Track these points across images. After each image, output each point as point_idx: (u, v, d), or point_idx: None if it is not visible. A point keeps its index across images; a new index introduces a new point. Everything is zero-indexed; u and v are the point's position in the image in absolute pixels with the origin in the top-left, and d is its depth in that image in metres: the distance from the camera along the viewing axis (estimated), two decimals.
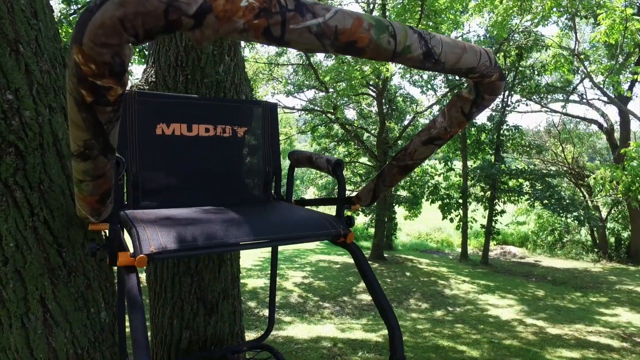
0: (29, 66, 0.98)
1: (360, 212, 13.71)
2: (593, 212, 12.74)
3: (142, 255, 0.76)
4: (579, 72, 10.83)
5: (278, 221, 1.05)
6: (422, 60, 0.61)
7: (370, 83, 11.72)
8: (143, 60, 6.46)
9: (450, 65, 0.64)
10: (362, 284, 10.10)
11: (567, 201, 11.55)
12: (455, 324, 7.45)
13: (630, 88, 11.52)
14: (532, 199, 11.73)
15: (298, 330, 6.25)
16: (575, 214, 11.06)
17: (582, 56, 8.72)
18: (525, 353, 5.55)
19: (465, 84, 0.79)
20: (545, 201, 11.26)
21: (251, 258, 11.39)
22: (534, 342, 6.21)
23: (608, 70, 7.03)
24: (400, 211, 14.34)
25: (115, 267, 1.22)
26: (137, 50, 6.42)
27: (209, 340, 1.47)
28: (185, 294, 1.44)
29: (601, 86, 7.32)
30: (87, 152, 0.57)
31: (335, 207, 1.15)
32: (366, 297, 9.29)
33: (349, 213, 1.18)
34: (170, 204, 1.15)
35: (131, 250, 0.82)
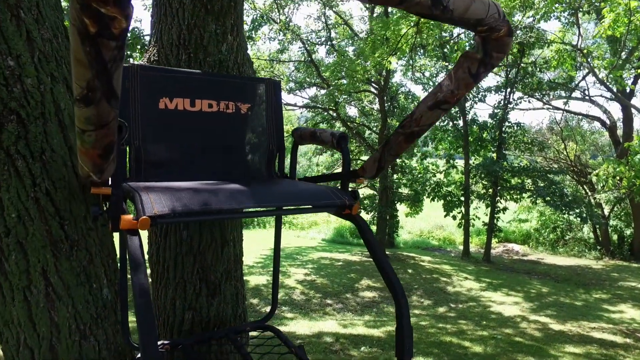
0: (30, 33, 0.97)
1: (362, 209, 13.67)
2: (595, 210, 12.70)
3: (144, 217, 0.75)
4: (583, 66, 10.78)
5: (283, 192, 1.04)
6: (430, 7, 0.59)
7: (372, 80, 11.70)
8: (141, 56, 6.45)
9: (459, 14, 0.62)
10: (364, 282, 10.07)
11: (570, 198, 11.51)
12: (458, 320, 7.43)
13: (634, 82, 11.44)
14: (534, 196, 11.69)
15: (300, 326, 6.23)
16: (578, 210, 11.02)
17: (585, 51, 8.69)
18: (529, 349, 5.52)
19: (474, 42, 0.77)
20: (548, 198, 11.23)
21: (252, 256, 11.38)
22: (537, 338, 6.18)
23: (611, 64, 7.01)
24: (401, 209, 14.33)
25: (118, 240, 1.20)
26: (139, 47, 6.42)
27: (212, 321, 1.45)
28: (188, 275, 1.43)
29: (604, 81, 7.29)
30: (90, 95, 0.56)
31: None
32: (369, 294, 9.26)
33: (353, 186, 1.16)
34: (173, 178, 1.14)
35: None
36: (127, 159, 1.12)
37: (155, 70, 1.17)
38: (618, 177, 6.77)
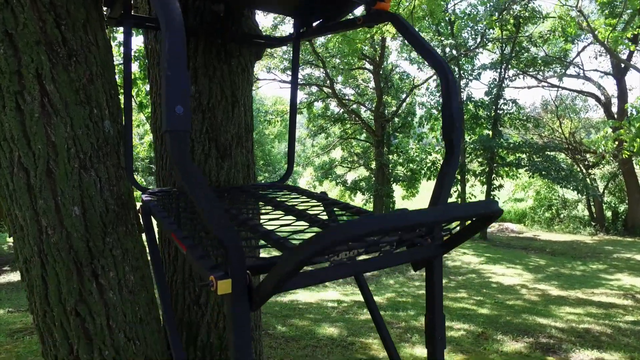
0: None
1: (358, 192, 13.61)
2: (590, 184, 12.78)
3: None
4: (580, 38, 10.73)
5: None
6: None
7: (368, 56, 11.56)
8: None
9: None
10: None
11: (566, 172, 11.57)
12: (459, 289, 7.41)
13: (634, 42, 11.37)
14: (531, 170, 11.72)
15: (301, 296, 6.18)
16: (574, 183, 11.08)
17: (584, 14, 8.62)
18: (530, 310, 5.51)
19: None
20: (544, 172, 11.26)
21: None
22: (537, 302, 6.18)
23: (611, 26, 6.97)
24: (398, 193, 14.33)
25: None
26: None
27: (222, 187, 1.35)
28: (195, 133, 1.32)
29: (603, 42, 7.25)
30: None
31: None
32: None
33: None
34: None
35: None
36: None
37: None
38: (617, 142, 6.76)
